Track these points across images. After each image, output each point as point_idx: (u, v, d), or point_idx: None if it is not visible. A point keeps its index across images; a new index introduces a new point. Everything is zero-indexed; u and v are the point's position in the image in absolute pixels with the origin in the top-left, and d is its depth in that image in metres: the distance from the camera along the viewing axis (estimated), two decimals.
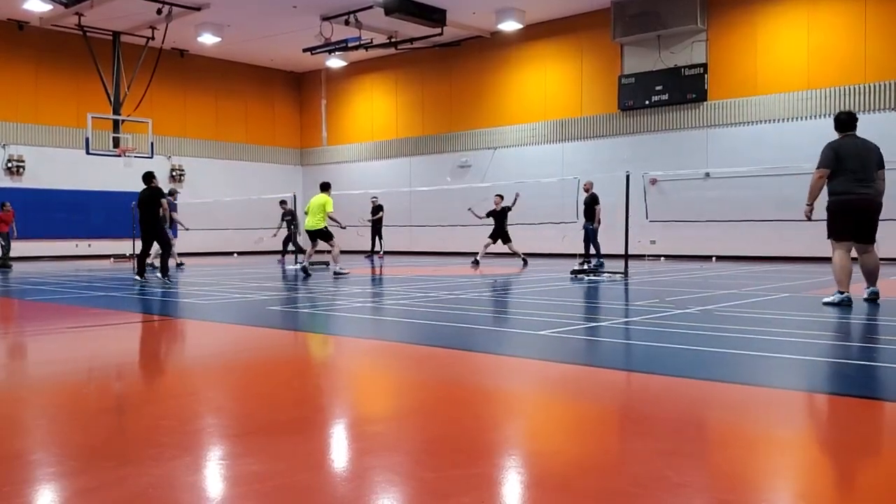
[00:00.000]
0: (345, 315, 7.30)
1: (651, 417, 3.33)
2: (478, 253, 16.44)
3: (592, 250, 16.04)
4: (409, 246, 24.55)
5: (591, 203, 15.82)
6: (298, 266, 15.40)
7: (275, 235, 19.56)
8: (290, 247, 19.58)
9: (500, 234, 16.18)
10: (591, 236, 15.86)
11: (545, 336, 5.73)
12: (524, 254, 16.55)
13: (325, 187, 13.64)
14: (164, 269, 11.77)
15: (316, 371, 4.89)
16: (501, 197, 16.57)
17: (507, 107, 22.74)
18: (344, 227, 13.44)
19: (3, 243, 17.00)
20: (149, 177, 11.95)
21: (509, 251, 16.43)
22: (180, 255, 17.08)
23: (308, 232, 13.40)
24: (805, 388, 3.95)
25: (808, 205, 7.70)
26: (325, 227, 13.20)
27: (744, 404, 3.57)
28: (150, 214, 11.63)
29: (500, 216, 16.29)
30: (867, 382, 4.08)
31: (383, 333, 6.38)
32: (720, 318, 6.62)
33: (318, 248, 13.75)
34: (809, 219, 7.79)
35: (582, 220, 16.06)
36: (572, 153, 21.29)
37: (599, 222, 15.86)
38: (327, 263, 15.03)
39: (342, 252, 13.76)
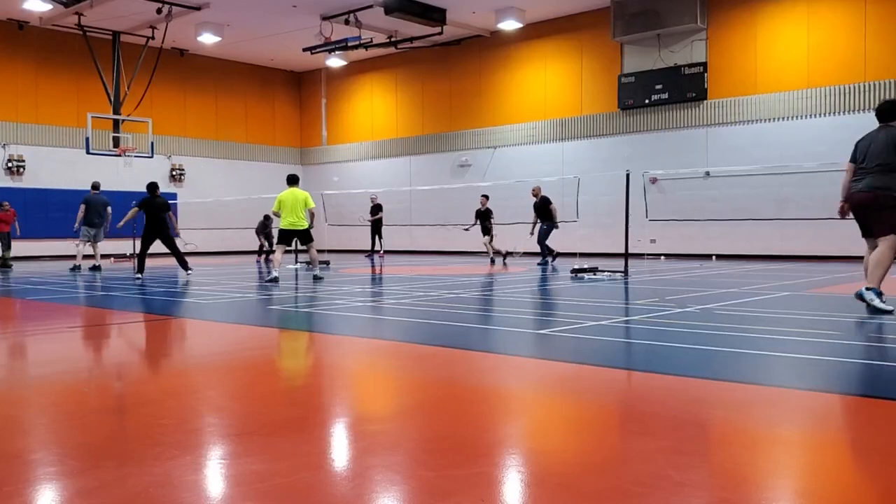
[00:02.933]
0: (345, 314, 7.30)
1: (652, 416, 3.33)
2: (497, 252, 17.47)
3: (553, 247, 16.61)
4: (409, 245, 24.56)
5: (544, 205, 16.21)
6: (298, 267, 15.41)
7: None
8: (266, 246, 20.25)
9: (487, 229, 17.45)
10: (543, 235, 16.28)
11: (545, 335, 5.73)
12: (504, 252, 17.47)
13: (297, 180, 12.14)
14: (184, 264, 13.00)
15: (316, 370, 4.89)
16: (487, 197, 17.71)
17: (507, 106, 22.73)
18: (312, 227, 12.21)
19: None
20: (155, 187, 12.96)
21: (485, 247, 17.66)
22: (186, 254, 17.07)
23: (285, 231, 11.79)
24: (806, 387, 3.95)
25: (840, 201, 7.22)
26: (309, 227, 11.95)
27: (744, 403, 3.57)
28: (160, 220, 12.63)
29: (486, 215, 17.42)
30: (868, 381, 4.07)
31: (383, 333, 6.38)
32: (720, 316, 6.62)
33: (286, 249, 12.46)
34: (842, 217, 7.24)
35: (538, 221, 16.47)
36: (572, 152, 21.29)
37: (553, 221, 16.33)
38: (308, 263, 14.99)
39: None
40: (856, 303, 7.08)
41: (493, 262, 17.04)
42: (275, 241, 19.78)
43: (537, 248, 16.48)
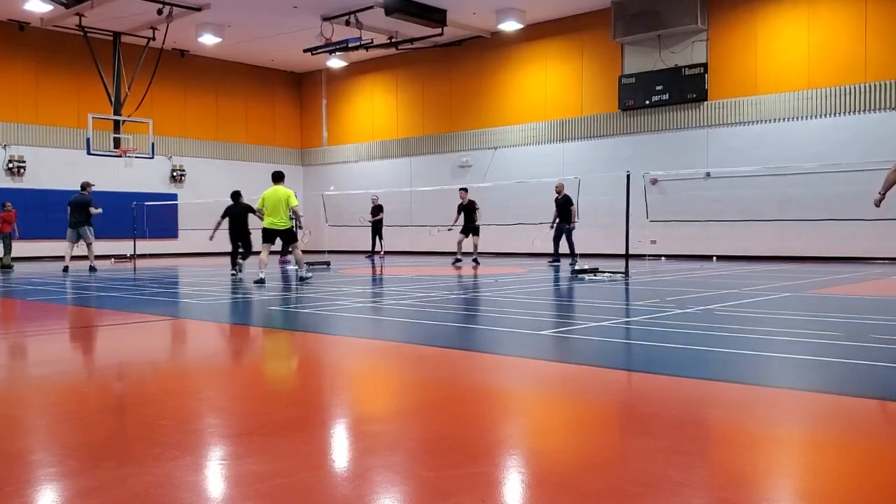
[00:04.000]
0: (345, 315, 7.30)
1: (652, 416, 3.33)
2: (456, 253, 16.86)
3: (564, 249, 16.37)
4: (410, 246, 24.55)
5: (566, 204, 16.20)
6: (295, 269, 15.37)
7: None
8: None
9: (470, 228, 16.54)
10: (567, 236, 16.27)
11: (546, 336, 5.73)
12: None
13: (281, 177, 11.74)
14: (242, 263, 13.22)
15: (316, 371, 4.89)
16: (466, 190, 16.80)
17: (508, 107, 22.73)
18: (301, 227, 11.91)
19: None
20: (238, 195, 13.52)
21: (473, 246, 16.70)
22: (186, 255, 17.06)
23: (267, 231, 11.50)
24: (805, 388, 3.95)
25: (878, 193, 7.22)
26: (292, 227, 11.68)
27: (744, 403, 3.57)
28: (242, 224, 13.21)
29: (468, 209, 16.58)
30: (868, 382, 4.07)
31: (384, 333, 6.38)
32: (721, 317, 6.62)
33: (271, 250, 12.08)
34: (877, 206, 7.46)
35: (554, 220, 16.48)
36: (573, 153, 21.29)
37: (574, 223, 16.28)
38: (328, 263, 14.97)
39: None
40: (856, 303, 7.09)
41: (476, 262, 16.41)
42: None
43: (562, 250, 16.35)
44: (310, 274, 12.02)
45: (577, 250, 16.56)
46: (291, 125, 28.61)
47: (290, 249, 12.17)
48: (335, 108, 27.70)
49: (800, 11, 17.62)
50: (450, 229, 17.16)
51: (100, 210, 15.98)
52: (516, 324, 6.61)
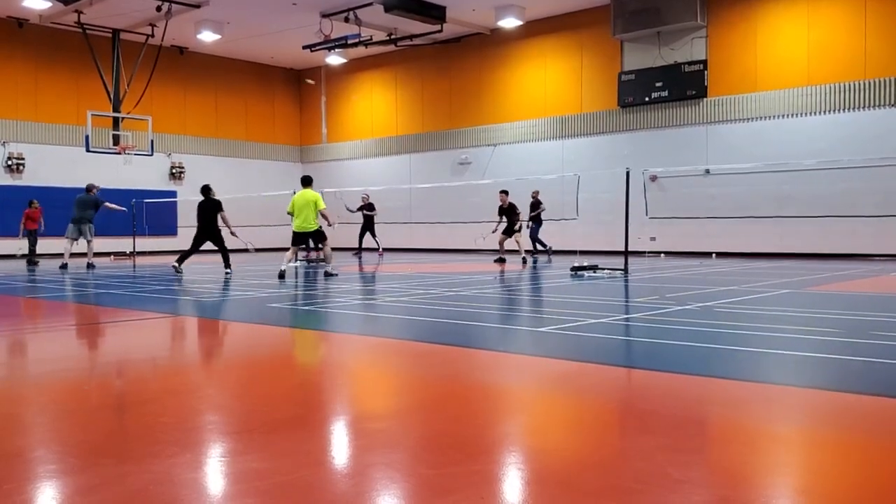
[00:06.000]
0: (344, 312, 7.30)
1: (652, 414, 3.33)
2: (499, 251, 16.99)
3: (539, 246, 18.24)
4: (409, 243, 24.55)
5: (533, 207, 18.06)
6: (298, 264, 15.38)
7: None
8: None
9: (511, 229, 16.73)
10: (534, 233, 18.09)
11: (545, 332, 5.73)
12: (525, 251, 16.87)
13: (310, 181, 12.44)
14: (227, 263, 13.41)
15: (316, 368, 4.89)
16: (506, 193, 16.95)
17: (507, 103, 22.71)
18: (331, 225, 12.47)
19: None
20: (207, 189, 13.47)
21: (519, 245, 16.86)
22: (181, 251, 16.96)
23: (297, 235, 12.17)
24: (805, 385, 3.95)
25: None
26: (320, 227, 12.21)
27: (744, 401, 3.57)
28: (211, 221, 13.15)
29: (509, 212, 16.76)
30: (866, 378, 4.07)
31: (383, 330, 6.37)
32: (720, 314, 6.62)
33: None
34: None
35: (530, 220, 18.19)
36: (572, 150, 21.28)
37: (536, 220, 18.19)
38: (309, 261, 14.97)
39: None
40: (854, 300, 7.09)
41: (524, 261, 16.08)
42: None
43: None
44: (335, 272, 12.34)
45: (575, 247, 16.67)
46: (291, 122, 28.59)
47: (319, 247, 12.52)
48: (334, 105, 27.68)
49: (799, 8, 17.60)
50: (494, 231, 17.24)
51: (124, 209, 16.68)
52: (515, 321, 6.61)
